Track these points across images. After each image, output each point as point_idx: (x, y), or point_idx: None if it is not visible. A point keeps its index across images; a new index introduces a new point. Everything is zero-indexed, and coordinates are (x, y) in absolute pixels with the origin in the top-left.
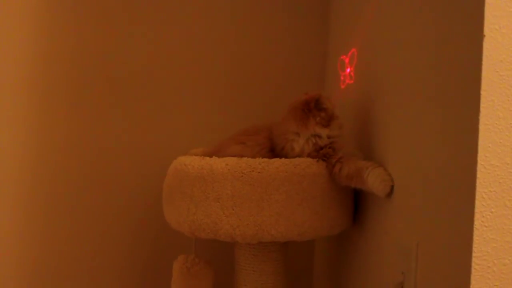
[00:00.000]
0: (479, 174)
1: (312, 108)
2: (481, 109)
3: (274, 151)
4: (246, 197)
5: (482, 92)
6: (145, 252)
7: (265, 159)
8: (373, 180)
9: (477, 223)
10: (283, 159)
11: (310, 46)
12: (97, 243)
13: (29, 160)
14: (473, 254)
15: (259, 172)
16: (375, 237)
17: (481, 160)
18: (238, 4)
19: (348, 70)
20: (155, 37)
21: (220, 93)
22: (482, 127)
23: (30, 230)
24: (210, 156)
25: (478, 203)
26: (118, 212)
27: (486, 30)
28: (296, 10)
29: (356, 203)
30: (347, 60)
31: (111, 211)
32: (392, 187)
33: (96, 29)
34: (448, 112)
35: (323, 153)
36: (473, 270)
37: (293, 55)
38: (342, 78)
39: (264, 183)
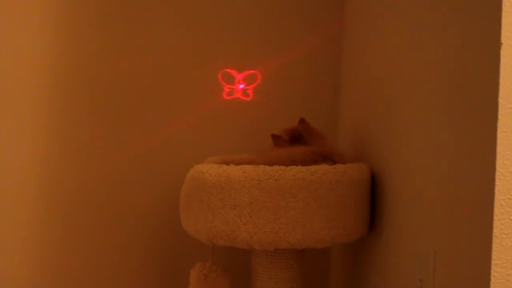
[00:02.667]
0: (497, 182)
1: None
2: (499, 116)
3: None
4: (263, 205)
5: (500, 100)
6: (163, 259)
7: (282, 167)
8: None
9: (496, 230)
10: (299, 167)
11: (324, 50)
12: (114, 250)
13: (47, 167)
14: (492, 262)
15: (276, 180)
16: (392, 244)
17: (499, 167)
18: (248, 10)
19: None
20: (169, 44)
21: (236, 100)
22: (500, 134)
23: (46, 238)
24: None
25: (497, 211)
26: (135, 220)
27: (504, 38)
28: (309, 18)
29: (373, 210)
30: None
31: (128, 219)
32: None
33: (113, 39)
34: (466, 120)
35: None
36: (492, 278)
37: (307, 60)
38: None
39: (281, 190)
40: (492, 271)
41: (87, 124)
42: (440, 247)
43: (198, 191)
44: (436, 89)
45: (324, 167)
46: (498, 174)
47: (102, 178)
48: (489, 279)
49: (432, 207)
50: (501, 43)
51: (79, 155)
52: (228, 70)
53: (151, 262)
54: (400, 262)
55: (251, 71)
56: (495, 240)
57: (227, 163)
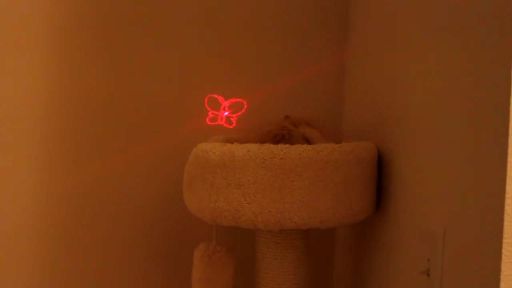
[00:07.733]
0: (510, 158)
1: None
2: None
3: None
4: (268, 184)
5: None
6: (166, 240)
7: (287, 145)
8: None
9: (508, 208)
10: (305, 145)
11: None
12: (119, 231)
13: (46, 153)
14: (504, 240)
15: (281, 158)
16: (400, 223)
17: None
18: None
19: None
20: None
21: (237, 81)
22: None
23: (51, 220)
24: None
25: (508, 188)
26: (138, 200)
27: None
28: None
29: (380, 189)
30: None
31: (131, 199)
32: None
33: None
34: (477, 99)
35: None
36: (503, 257)
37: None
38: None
39: (286, 169)
40: (503, 250)
41: (91, 92)
42: (449, 226)
43: (201, 170)
44: (447, 69)
45: (330, 146)
46: (510, 150)
47: (105, 158)
48: (500, 259)
49: (441, 185)
50: None
51: (81, 134)
52: (215, 96)
53: (154, 242)
54: (408, 241)
55: (238, 99)
56: (506, 218)
57: (231, 142)
